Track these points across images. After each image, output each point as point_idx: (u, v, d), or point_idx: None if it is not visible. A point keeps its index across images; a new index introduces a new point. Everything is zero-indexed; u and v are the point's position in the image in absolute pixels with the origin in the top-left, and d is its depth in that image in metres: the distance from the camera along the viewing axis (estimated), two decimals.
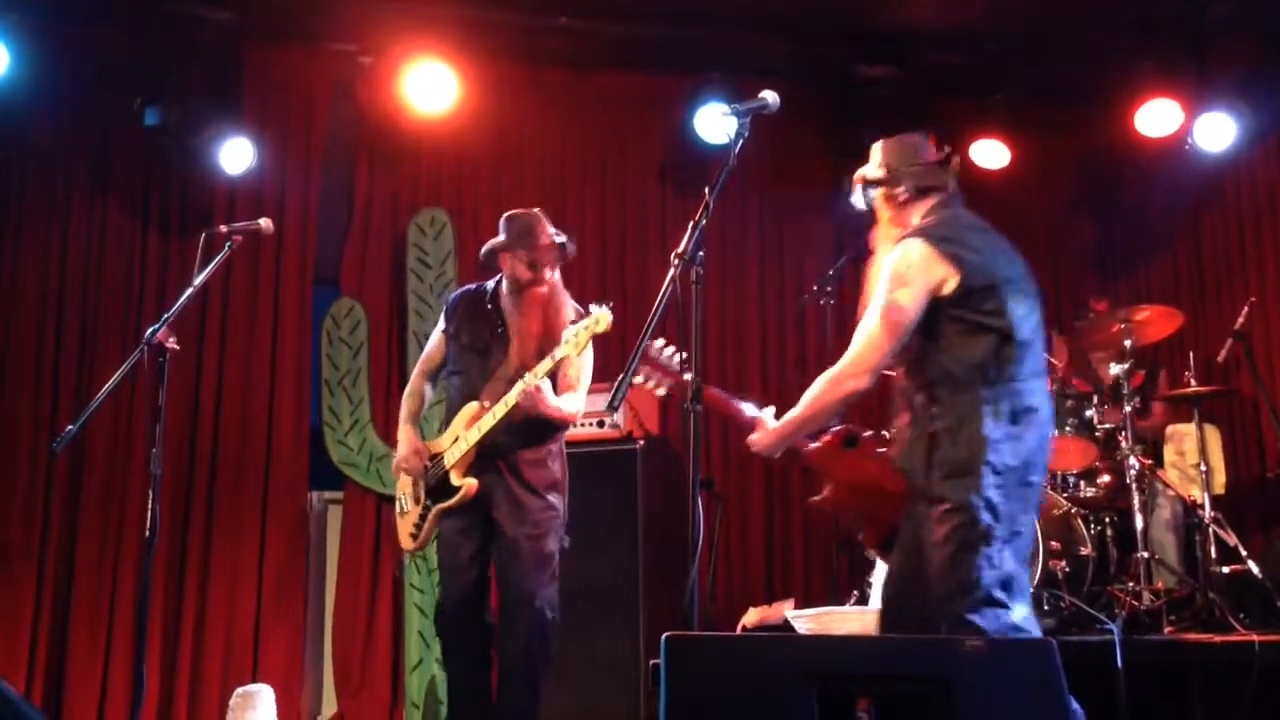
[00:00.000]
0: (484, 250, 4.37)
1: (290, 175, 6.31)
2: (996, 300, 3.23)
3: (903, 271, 3.25)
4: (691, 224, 3.08)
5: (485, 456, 4.19)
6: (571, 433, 5.38)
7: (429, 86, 6.22)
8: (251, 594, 5.92)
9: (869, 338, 3.26)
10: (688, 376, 3.10)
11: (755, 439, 3.48)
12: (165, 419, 3.85)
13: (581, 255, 6.51)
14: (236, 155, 5.94)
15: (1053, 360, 5.86)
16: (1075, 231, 7.47)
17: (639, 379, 3.43)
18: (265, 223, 4.18)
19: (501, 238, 4.33)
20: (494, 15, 6.22)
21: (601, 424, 5.56)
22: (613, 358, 6.32)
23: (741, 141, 3.15)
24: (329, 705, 6.12)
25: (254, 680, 5.60)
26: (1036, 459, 3.22)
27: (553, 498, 4.25)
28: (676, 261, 2.98)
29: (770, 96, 3.27)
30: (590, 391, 4.97)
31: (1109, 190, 7.25)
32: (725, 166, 3.11)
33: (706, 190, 3.11)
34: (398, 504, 4.38)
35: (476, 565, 4.22)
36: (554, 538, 4.22)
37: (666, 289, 2.94)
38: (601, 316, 3.99)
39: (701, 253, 3.03)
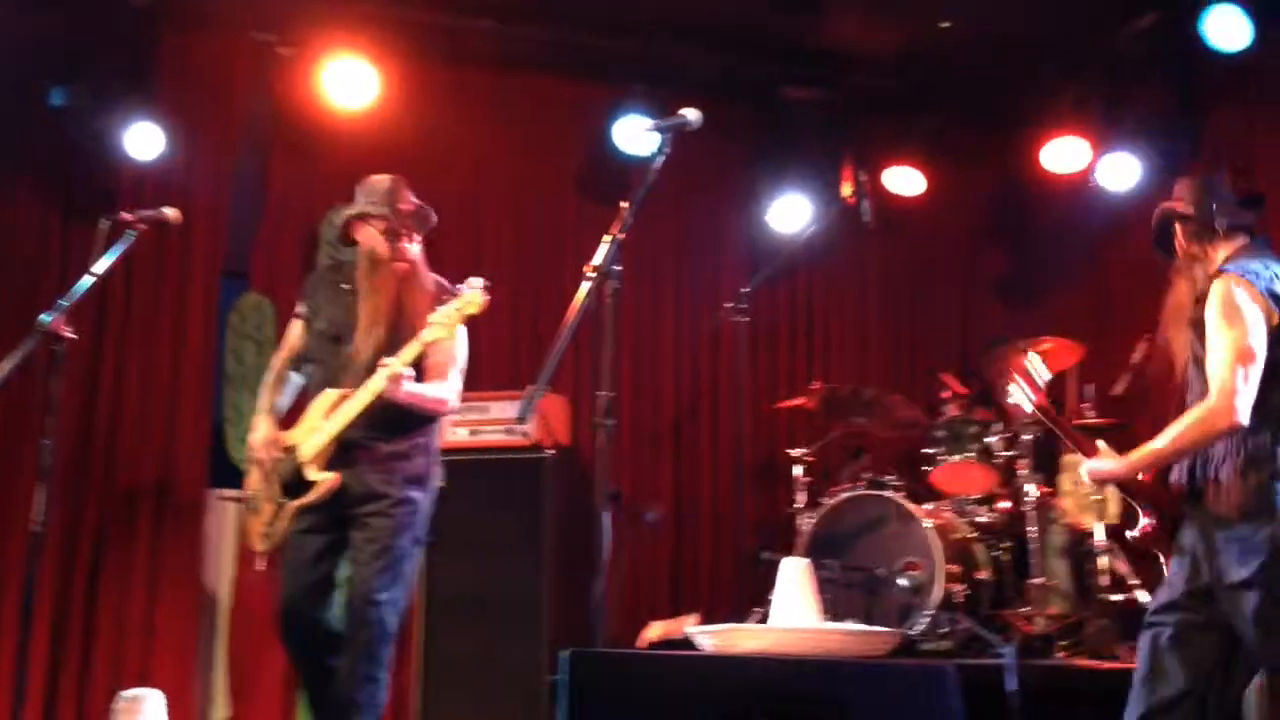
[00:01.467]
0: (338, 220, 4.17)
1: (201, 164, 6.18)
2: None
3: (1237, 308, 3.24)
4: (609, 237, 3.09)
5: (344, 448, 3.94)
6: (478, 439, 5.38)
7: (349, 82, 6.14)
8: (143, 594, 5.77)
9: (1231, 375, 3.18)
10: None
11: (1097, 467, 3.51)
12: (58, 410, 3.70)
13: (495, 260, 6.54)
14: (147, 141, 5.81)
15: (955, 387, 5.99)
16: (985, 261, 7.64)
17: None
18: (172, 212, 4.04)
19: (356, 206, 4.12)
20: (418, 14, 6.17)
21: (509, 431, 5.52)
22: (524, 365, 6.39)
23: (663, 158, 3.16)
24: (221, 709, 5.99)
25: (143, 683, 5.45)
26: None
27: (413, 493, 4.00)
28: (593, 274, 2.98)
29: (692, 114, 3.29)
30: (499, 399, 4.96)
31: (1018, 222, 7.43)
32: (645, 181, 3.12)
33: (624, 204, 3.11)
34: (246, 501, 4.13)
35: (321, 565, 4.00)
36: (409, 536, 3.98)
37: (583, 301, 2.93)
38: (474, 296, 3.81)
39: (618, 267, 3.03)
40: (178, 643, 5.80)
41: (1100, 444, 3.57)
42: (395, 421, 3.98)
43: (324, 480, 3.93)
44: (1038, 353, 5.49)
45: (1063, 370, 5.82)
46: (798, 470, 5.97)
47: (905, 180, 6.95)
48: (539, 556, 5.29)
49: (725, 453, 6.93)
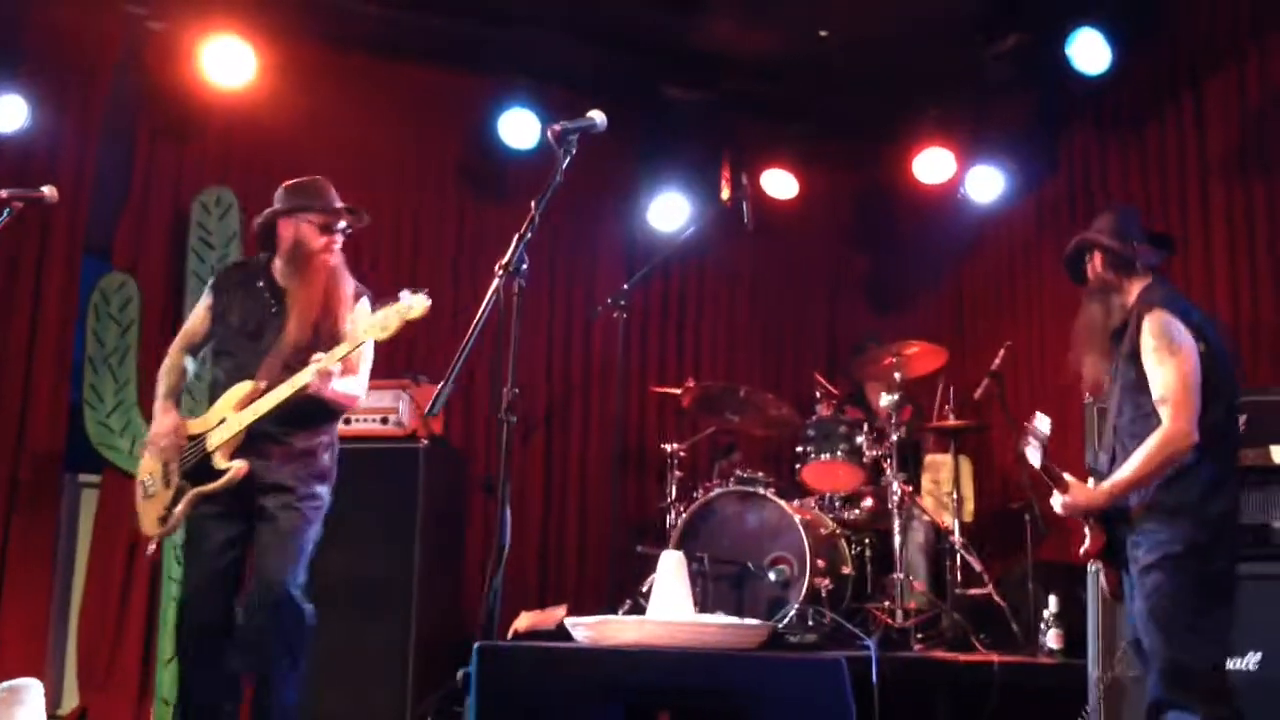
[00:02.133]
0: (262, 218, 4.17)
1: (66, 138, 5.96)
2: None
3: (1174, 339, 3.51)
4: (517, 236, 3.12)
5: (253, 440, 3.98)
6: (353, 428, 5.32)
7: (223, 60, 5.99)
8: None
9: (1184, 400, 3.45)
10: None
11: (1070, 501, 3.66)
12: None
13: (373, 252, 6.45)
14: (9, 112, 5.58)
15: (830, 388, 6.17)
16: (853, 265, 7.89)
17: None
18: (49, 191, 3.95)
19: (286, 202, 4.16)
20: None
21: (385, 420, 5.47)
22: (399, 355, 6.33)
23: (569, 159, 3.21)
24: (70, 698, 5.81)
25: None
26: None
27: (320, 488, 4.07)
28: (500, 273, 3.01)
29: (599, 118, 3.34)
30: (374, 388, 4.90)
31: (886, 228, 7.70)
32: (552, 182, 3.16)
33: (533, 203, 3.16)
34: (141, 486, 4.11)
35: (228, 554, 4.01)
36: (315, 530, 4.04)
37: (490, 299, 2.97)
38: (417, 303, 3.89)
39: (525, 265, 3.06)
40: (28, 628, 5.61)
41: (1068, 477, 3.77)
42: (307, 416, 4.03)
43: (232, 468, 3.95)
44: (905, 356, 5.73)
45: (928, 373, 6.03)
46: (670, 465, 6.07)
47: (779, 184, 7.13)
48: (410, 544, 5.27)
49: (596, 447, 7.02)
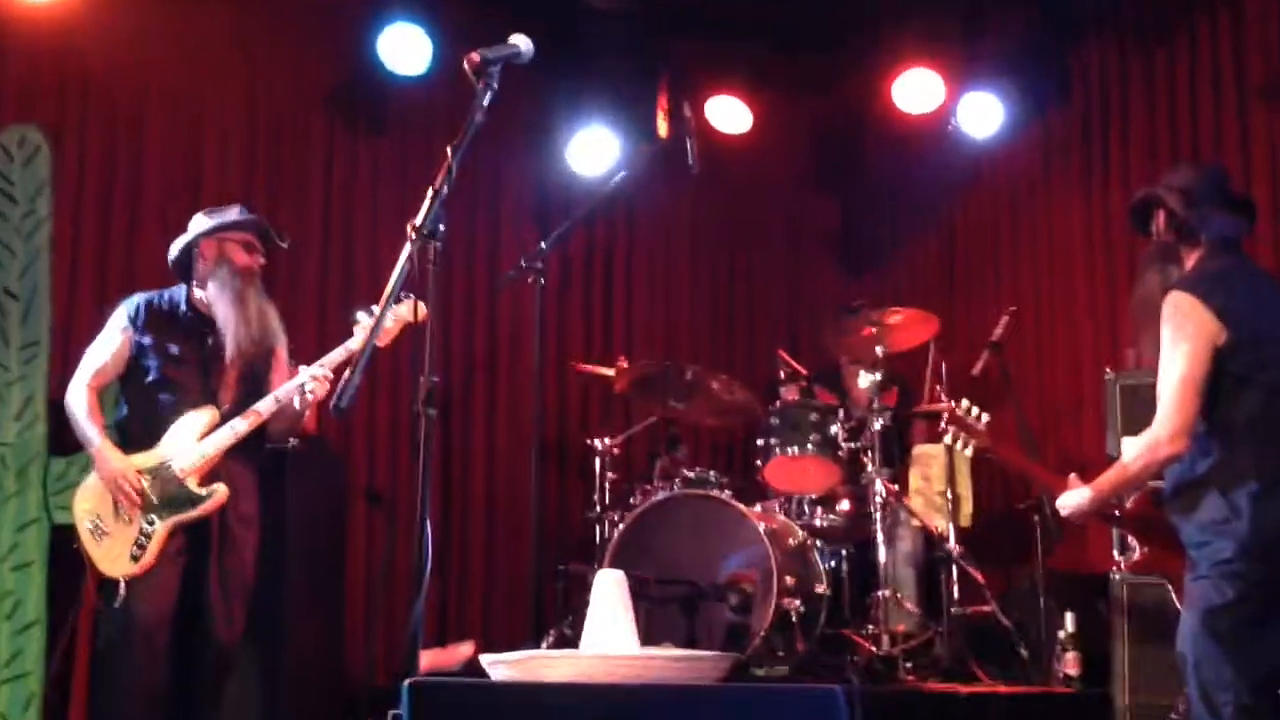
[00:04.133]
0: (181, 245, 4.78)
1: None
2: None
3: (1183, 327, 3.68)
4: (431, 191, 3.15)
5: (219, 468, 4.62)
6: None
7: None
8: None
9: (1175, 403, 3.66)
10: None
11: (1068, 501, 3.99)
12: None
13: (218, 189, 6.34)
14: None
15: (796, 366, 6.25)
16: (820, 214, 8.00)
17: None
18: None
19: (212, 220, 4.79)
20: None
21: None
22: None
23: (490, 95, 3.25)
24: None
25: None
26: None
27: (265, 516, 4.79)
28: (413, 235, 3.04)
29: (524, 45, 3.40)
30: None
31: (859, 169, 7.81)
32: (471, 123, 3.19)
33: (449, 150, 3.18)
34: (85, 527, 4.59)
35: (185, 590, 4.56)
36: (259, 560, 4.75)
37: (403, 266, 3.00)
38: (419, 306, 4.06)
39: (442, 227, 3.10)
40: None
41: (1072, 477, 4.04)
42: (256, 443, 4.73)
43: (215, 493, 4.59)
44: (887, 326, 5.83)
45: (915, 346, 6.14)
46: (601, 464, 6.12)
47: (728, 115, 7.18)
48: (280, 561, 5.29)
49: (506, 443, 7.07)
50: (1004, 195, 7.26)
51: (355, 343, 4.64)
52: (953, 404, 4.52)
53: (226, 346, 4.70)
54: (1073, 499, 3.98)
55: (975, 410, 4.50)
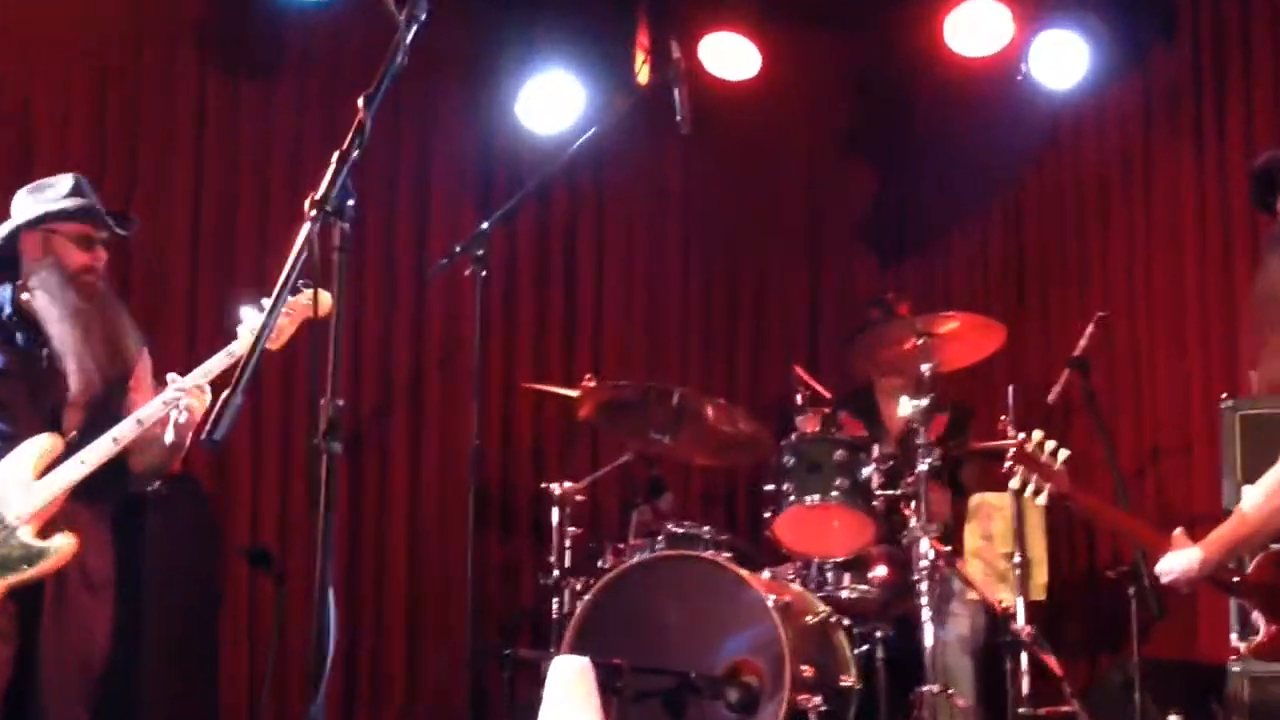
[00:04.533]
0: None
1: None
2: None
3: None
4: (337, 156, 3.13)
5: (63, 511, 4.49)
6: None
7: None
8: None
9: None
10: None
11: (1171, 565, 3.97)
12: None
13: (54, 149, 6.34)
14: None
15: (818, 388, 6.24)
16: (846, 187, 7.99)
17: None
18: None
19: (36, 205, 4.69)
20: None
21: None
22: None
23: (415, 28, 3.22)
24: None
25: None
26: None
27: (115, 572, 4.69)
28: (313, 211, 3.01)
29: None
30: None
31: (898, 128, 7.80)
32: (390, 66, 3.16)
33: (361, 102, 3.15)
34: None
35: (6, 678, 4.42)
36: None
37: (299, 252, 2.97)
38: (324, 298, 4.01)
39: (352, 201, 3.07)
40: None
41: (1177, 533, 4.04)
42: (112, 477, 4.57)
43: (61, 545, 4.42)
44: (937, 336, 5.82)
45: (973, 363, 6.14)
46: (560, 515, 6.10)
47: (730, 57, 7.17)
48: (137, 620, 5.32)
49: (434, 486, 7.07)
50: (1089, 164, 7.24)
51: (240, 346, 4.50)
52: (1021, 437, 4.48)
53: (70, 380, 4.59)
54: (1178, 562, 3.97)
55: (1051, 445, 4.48)
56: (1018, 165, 7.52)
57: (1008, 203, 7.61)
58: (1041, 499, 4.51)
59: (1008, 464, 4.54)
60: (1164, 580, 4.04)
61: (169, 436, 4.51)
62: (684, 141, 6.51)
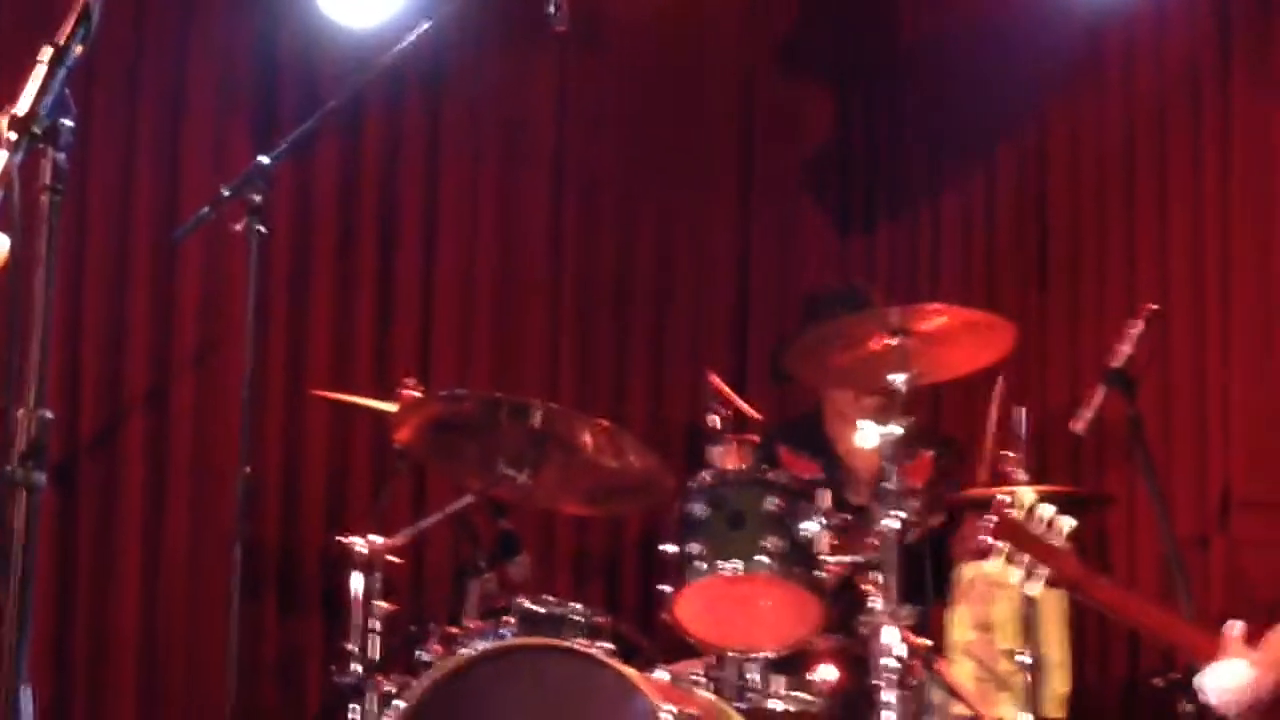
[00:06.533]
0: None
1: None
2: None
3: None
4: (49, 55, 3.17)
5: None
6: None
7: None
8: None
9: None
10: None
11: (1220, 683, 4.04)
12: None
13: None
14: None
15: (743, 406, 6.27)
16: (795, 116, 8.09)
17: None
18: None
19: None
20: None
21: None
22: None
23: None
24: None
25: None
26: None
27: None
28: (11, 132, 3.02)
29: None
30: None
31: (875, 47, 7.93)
32: None
33: None
34: None
35: None
36: None
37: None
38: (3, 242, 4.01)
39: (70, 120, 3.09)
40: None
41: (1235, 628, 4.08)
42: None
43: None
44: (917, 335, 5.85)
45: (969, 373, 6.18)
46: (367, 584, 6.08)
47: None
48: None
49: (183, 540, 7.06)
50: (1142, 100, 7.33)
51: None
52: (1002, 495, 4.46)
53: None
54: (1227, 678, 3.97)
55: (1048, 512, 4.45)
56: (1040, 99, 7.61)
57: (1025, 152, 7.70)
58: (1034, 588, 4.47)
59: (983, 535, 4.47)
60: (1211, 701, 4.04)
61: None
62: (560, 46, 6.54)
